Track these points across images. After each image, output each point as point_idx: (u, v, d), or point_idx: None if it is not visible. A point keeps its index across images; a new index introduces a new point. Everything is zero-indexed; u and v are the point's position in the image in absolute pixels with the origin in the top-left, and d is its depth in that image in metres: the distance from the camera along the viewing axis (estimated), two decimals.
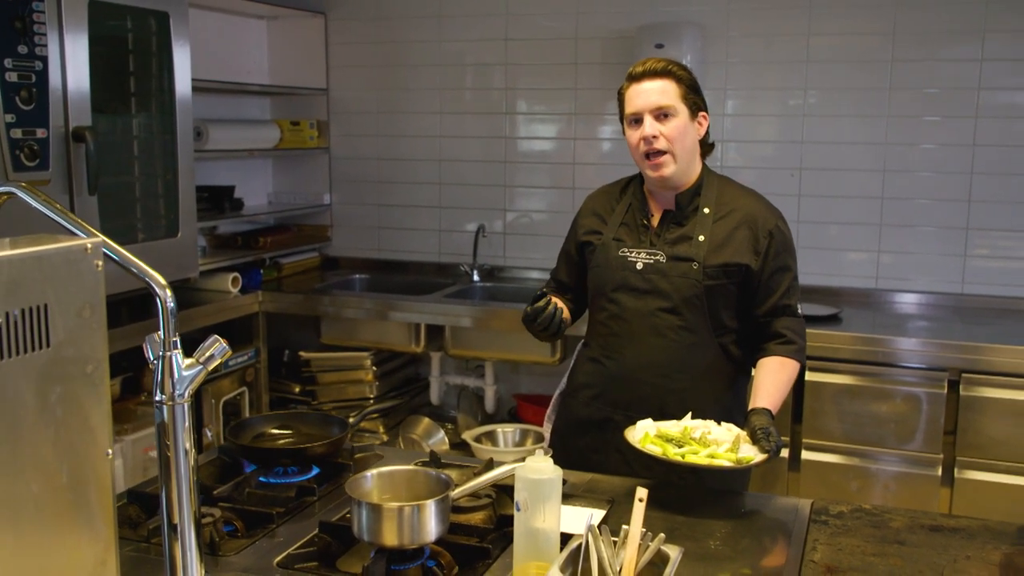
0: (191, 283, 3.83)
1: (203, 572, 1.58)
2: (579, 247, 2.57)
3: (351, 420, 2.33)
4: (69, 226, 1.57)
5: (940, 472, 3.38)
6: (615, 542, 1.58)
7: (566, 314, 2.51)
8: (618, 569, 1.53)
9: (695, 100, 2.37)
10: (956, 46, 3.87)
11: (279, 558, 1.77)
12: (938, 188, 3.96)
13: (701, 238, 2.36)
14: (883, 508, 1.95)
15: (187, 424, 1.52)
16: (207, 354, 1.56)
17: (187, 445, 1.53)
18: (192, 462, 1.54)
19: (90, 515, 1.27)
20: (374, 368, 4.26)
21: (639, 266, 2.39)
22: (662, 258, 2.38)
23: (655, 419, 2.22)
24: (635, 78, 2.37)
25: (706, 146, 2.47)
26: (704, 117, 2.41)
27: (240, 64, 4.71)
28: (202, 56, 3.68)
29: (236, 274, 4.13)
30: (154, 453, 3.48)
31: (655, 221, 2.44)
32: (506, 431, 4.23)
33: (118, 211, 3.38)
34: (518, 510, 1.61)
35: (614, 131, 4.40)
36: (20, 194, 1.58)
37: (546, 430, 2.68)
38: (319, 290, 4.36)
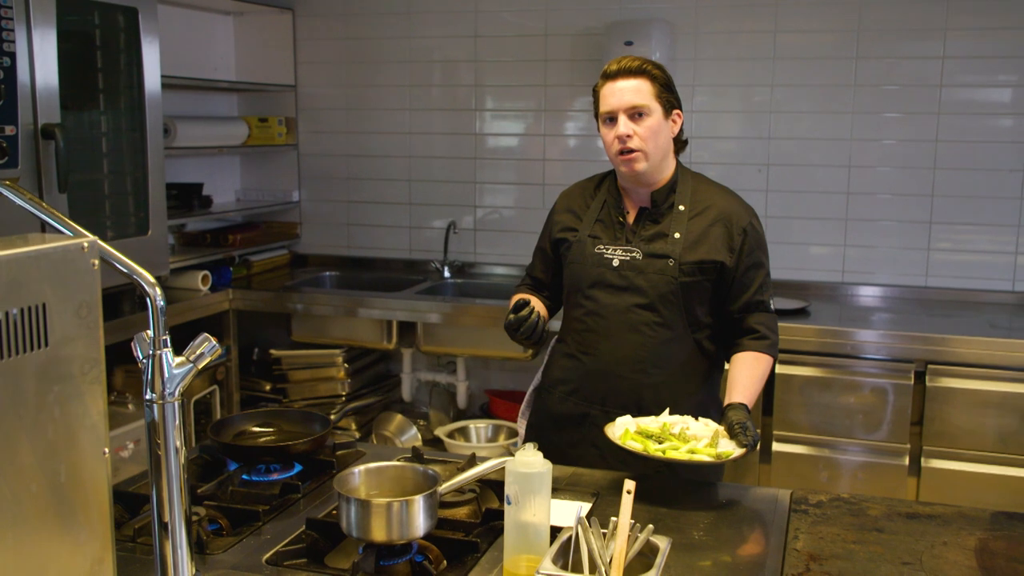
0: (161, 281, 3.79)
1: (194, 570, 1.59)
2: (554, 244, 2.58)
3: (332, 417, 2.33)
4: (56, 224, 1.57)
5: (907, 462, 3.45)
6: (604, 534, 1.60)
7: (544, 314, 2.52)
8: (608, 560, 1.55)
9: (669, 99, 2.39)
10: (919, 44, 3.95)
11: (268, 555, 1.77)
12: (902, 183, 4.04)
13: (677, 235, 2.39)
14: (861, 497, 1.99)
15: (177, 422, 1.53)
16: (197, 352, 1.56)
17: (177, 443, 1.53)
18: (183, 460, 1.54)
19: (88, 514, 1.27)
20: (346, 365, 4.25)
21: (615, 263, 2.42)
22: (638, 255, 2.40)
23: (632, 414, 2.25)
24: (610, 76, 2.38)
25: (680, 143, 2.49)
26: (678, 115, 2.43)
27: (206, 60, 4.67)
28: (168, 52, 3.64)
29: (206, 272, 4.11)
30: (125, 453, 3.45)
31: (631, 218, 2.46)
32: (479, 427, 4.25)
33: (88, 209, 3.34)
34: (509, 503, 1.62)
35: (583, 127, 4.43)
36: (6, 192, 1.57)
37: (520, 426, 2.70)
38: (290, 287, 4.34)
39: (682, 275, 2.36)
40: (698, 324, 2.42)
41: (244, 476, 2.14)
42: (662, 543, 1.58)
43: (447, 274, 4.58)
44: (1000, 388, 3.34)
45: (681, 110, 2.44)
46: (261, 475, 2.16)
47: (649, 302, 2.38)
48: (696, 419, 2.21)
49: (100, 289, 1.27)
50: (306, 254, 4.92)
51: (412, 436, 4.24)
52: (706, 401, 2.44)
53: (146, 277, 1.52)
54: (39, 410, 1.17)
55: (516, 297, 2.54)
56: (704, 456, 2.07)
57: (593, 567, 1.55)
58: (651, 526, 1.59)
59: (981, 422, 3.36)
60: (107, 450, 1.30)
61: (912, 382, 3.42)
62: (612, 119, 2.37)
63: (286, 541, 1.83)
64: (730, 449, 2.09)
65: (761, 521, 1.94)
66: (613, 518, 1.61)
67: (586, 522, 1.59)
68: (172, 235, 4.38)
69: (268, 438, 2.30)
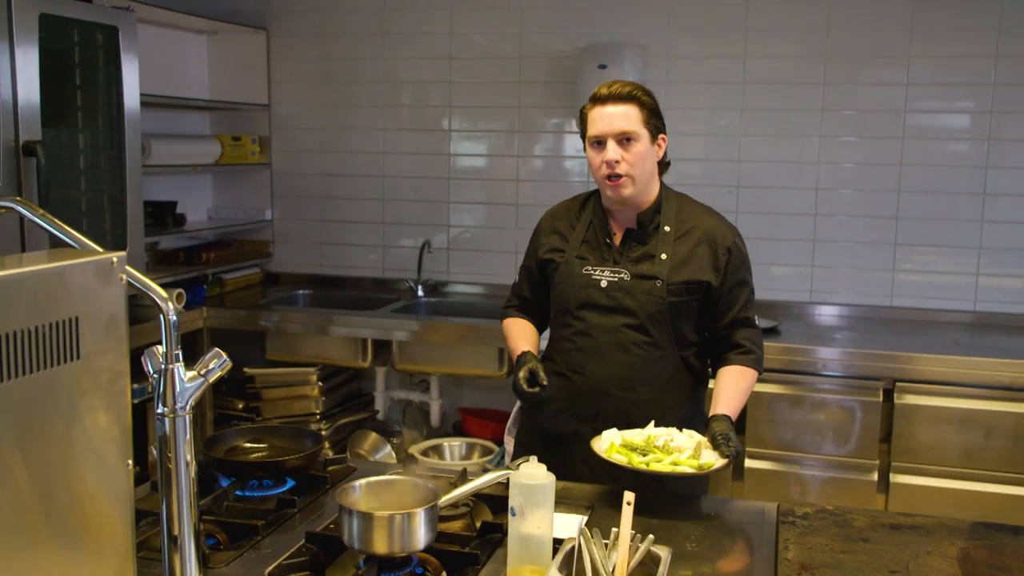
0: (136, 299, 3.78)
1: None
2: (541, 264, 2.62)
3: (323, 433, 2.35)
4: (69, 240, 1.59)
5: (876, 477, 3.53)
6: (606, 544, 1.64)
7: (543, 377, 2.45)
8: (611, 570, 1.59)
9: (656, 124, 2.44)
10: (883, 71, 4.07)
11: (270, 568, 1.79)
12: (867, 205, 4.15)
13: (664, 256, 2.45)
14: (845, 509, 2.05)
15: (188, 436, 1.55)
16: (208, 366, 1.59)
17: (188, 457, 1.55)
18: (193, 474, 1.56)
19: (112, 525, 1.28)
20: (320, 383, 4.26)
21: (603, 284, 2.47)
22: (626, 276, 2.45)
23: (620, 429, 2.30)
24: (599, 100, 2.42)
25: (663, 165, 2.55)
26: (663, 139, 2.48)
27: (179, 79, 4.67)
28: (140, 70, 3.63)
29: (181, 290, 4.10)
30: None
31: (617, 239, 2.51)
32: (452, 444, 4.27)
33: (68, 226, 3.32)
34: (513, 515, 1.66)
35: (556, 149, 4.49)
36: (20, 209, 1.59)
37: (508, 443, 2.73)
38: (264, 305, 4.35)
39: (670, 295, 2.42)
40: (685, 342, 2.47)
41: (238, 492, 2.15)
42: (663, 553, 1.62)
43: (420, 293, 4.61)
44: (965, 405, 3.43)
45: (666, 134, 2.50)
46: (254, 491, 2.17)
47: (638, 322, 2.43)
48: (680, 431, 2.27)
49: (127, 303, 1.30)
50: (278, 272, 4.93)
51: (386, 454, 4.25)
52: (693, 416, 2.49)
53: (159, 292, 1.55)
54: (71, 422, 1.19)
55: (526, 364, 2.45)
56: (687, 468, 2.12)
57: None
58: (651, 536, 1.64)
59: (947, 438, 3.45)
60: (130, 461, 1.32)
61: (881, 399, 3.51)
62: (600, 143, 2.42)
63: (287, 555, 1.85)
64: (712, 460, 2.14)
65: (750, 532, 2.00)
66: (614, 528, 1.65)
67: (588, 532, 1.63)
68: (146, 253, 4.36)
69: (260, 454, 2.32)
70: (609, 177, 2.42)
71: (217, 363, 1.59)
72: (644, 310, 2.43)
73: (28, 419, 1.13)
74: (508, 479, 1.76)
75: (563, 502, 2.09)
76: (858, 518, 2.00)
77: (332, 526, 1.98)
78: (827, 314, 4.22)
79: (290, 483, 2.21)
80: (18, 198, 1.59)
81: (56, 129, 3.30)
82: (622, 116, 2.39)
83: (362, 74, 4.70)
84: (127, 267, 1.48)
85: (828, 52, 4.11)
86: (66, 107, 3.41)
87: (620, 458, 2.16)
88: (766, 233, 4.25)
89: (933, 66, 4.01)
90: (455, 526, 2.01)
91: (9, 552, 1.11)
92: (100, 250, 1.50)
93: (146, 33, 4.31)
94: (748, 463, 3.65)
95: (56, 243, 3.16)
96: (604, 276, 2.47)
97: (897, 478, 3.52)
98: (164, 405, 1.53)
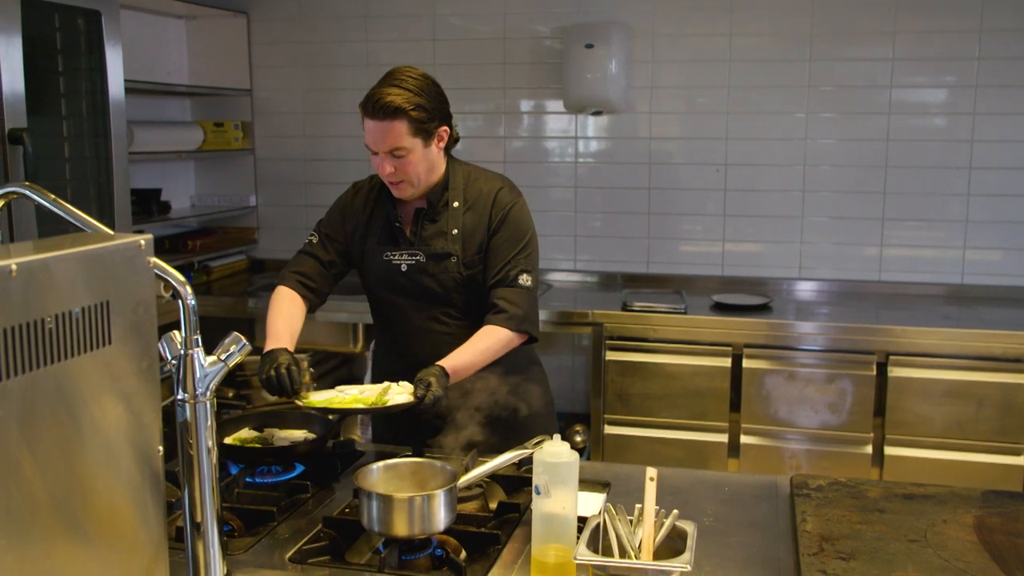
0: None
1: (225, 570, 1.58)
2: (347, 240, 2.60)
3: (331, 418, 2.34)
4: (80, 224, 1.57)
5: (871, 450, 3.56)
6: (631, 520, 1.64)
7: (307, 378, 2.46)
8: (636, 545, 1.59)
9: (428, 127, 2.38)
10: (868, 46, 4.08)
11: (290, 553, 1.78)
12: (855, 181, 4.16)
13: (455, 231, 2.48)
14: (857, 480, 2.06)
15: (209, 422, 1.53)
16: (228, 351, 1.57)
17: (209, 443, 1.53)
18: (214, 460, 1.54)
19: (145, 512, 1.26)
20: (311, 369, 4.22)
21: (403, 268, 2.50)
22: (422, 258, 2.48)
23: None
24: (367, 113, 2.37)
25: (451, 143, 2.52)
26: (444, 131, 2.44)
27: (159, 65, 4.60)
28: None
29: (167, 279, 4.04)
30: None
31: (407, 223, 2.52)
32: None
33: (54, 215, 3.27)
34: (538, 494, 1.65)
35: (542, 129, 4.47)
36: (28, 194, 1.56)
37: (362, 435, 2.75)
38: (251, 292, 4.31)
39: (466, 269, 2.47)
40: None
41: (248, 479, 2.13)
42: (689, 527, 1.62)
43: None
44: (957, 377, 3.47)
45: (448, 123, 2.45)
46: (264, 477, 2.16)
47: (443, 300, 2.49)
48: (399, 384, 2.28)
49: (155, 287, 1.28)
50: (264, 259, 4.88)
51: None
52: (527, 364, 2.60)
53: (176, 276, 1.53)
54: (104, 409, 1.17)
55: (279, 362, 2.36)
56: (361, 404, 2.19)
57: (623, 552, 1.58)
58: (676, 511, 1.64)
59: (940, 410, 3.49)
60: (160, 448, 1.30)
61: (874, 373, 3.53)
62: (375, 152, 2.40)
63: (306, 539, 1.83)
64: (389, 399, 2.19)
65: (766, 506, 2.00)
66: (637, 505, 1.65)
67: (613, 509, 1.63)
68: None
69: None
70: (389, 180, 2.44)
71: (237, 347, 1.57)
72: (444, 287, 2.48)
73: (64, 406, 1.11)
74: (532, 458, 1.75)
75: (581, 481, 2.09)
76: (872, 489, 2.01)
77: (347, 510, 1.96)
78: (816, 290, 4.24)
79: (299, 468, 2.20)
80: (27, 183, 1.56)
81: (44, 117, 3.25)
82: (390, 133, 2.34)
83: (345, 58, 4.65)
84: None
85: (813, 29, 4.11)
86: (48, 94, 3.35)
87: (315, 400, 2.21)
88: (754, 210, 4.26)
89: (918, 41, 4.03)
90: (470, 507, 2.00)
91: (47, 541, 1.09)
92: (111, 232, 1.48)
93: (125, 18, 4.23)
94: (743, 439, 3.67)
95: (46, 232, 3.09)
96: (403, 260, 2.50)
97: (891, 450, 3.55)
98: (184, 391, 1.52)
